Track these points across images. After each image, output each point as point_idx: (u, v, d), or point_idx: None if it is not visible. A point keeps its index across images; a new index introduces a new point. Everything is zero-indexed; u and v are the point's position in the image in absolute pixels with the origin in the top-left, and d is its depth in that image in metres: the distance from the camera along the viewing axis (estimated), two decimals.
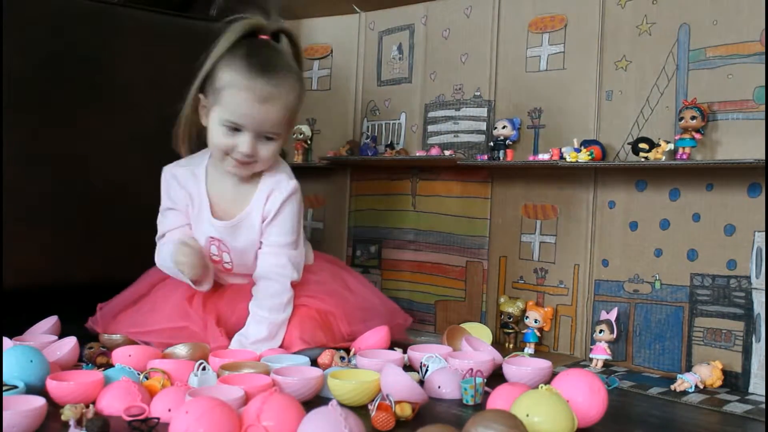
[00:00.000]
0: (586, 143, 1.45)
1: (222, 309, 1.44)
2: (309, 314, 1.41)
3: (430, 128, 1.79)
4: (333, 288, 1.49)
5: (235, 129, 1.35)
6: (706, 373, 1.29)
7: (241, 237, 1.43)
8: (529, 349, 1.52)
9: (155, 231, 1.58)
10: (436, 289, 1.75)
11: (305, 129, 1.97)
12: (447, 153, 1.69)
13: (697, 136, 1.33)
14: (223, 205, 1.44)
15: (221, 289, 1.48)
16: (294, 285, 1.43)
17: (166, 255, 1.41)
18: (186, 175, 1.46)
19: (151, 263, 1.50)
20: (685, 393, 1.26)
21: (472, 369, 1.19)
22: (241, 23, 1.38)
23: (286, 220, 1.42)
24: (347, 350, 1.36)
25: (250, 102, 1.33)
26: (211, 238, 1.44)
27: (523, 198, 1.62)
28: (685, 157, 1.32)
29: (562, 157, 1.46)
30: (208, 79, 1.38)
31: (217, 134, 1.37)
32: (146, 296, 1.48)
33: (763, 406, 1.20)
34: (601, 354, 1.42)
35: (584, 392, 1.05)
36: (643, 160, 1.36)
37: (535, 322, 1.54)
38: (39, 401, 0.98)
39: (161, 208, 1.47)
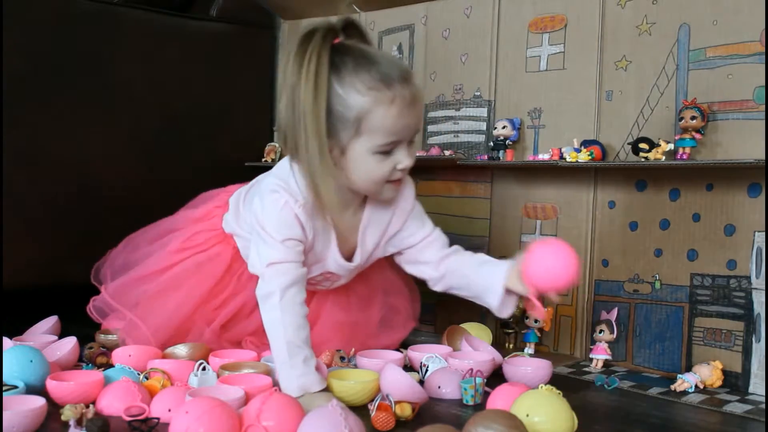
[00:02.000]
0: (586, 143, 1.45)
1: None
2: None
3: (430, 128, 1.79)
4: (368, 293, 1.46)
5: (390, 150, 1.18)
6: (706, 373, 1.29)
7: (356, 270, 1.37)
8: (529, 349, 1.52)
9: None
10: None
11: None
12: (447, 153, 1.69)
13: (697, 136, 1.33)
14: (343, 236, 1.30)
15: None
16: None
17: (284, 311, 1.15)
18: (309, 209, 1.22)
19: None
20: (685, 393, 1.26)
21: (472, 369, 1.19)
22: (315, 39, 1.15)
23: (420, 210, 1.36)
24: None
25: (402, 111, 1.16)
26: (328, 272, 1.33)
27: (523, 198, 1.62)
28: (685, 157, 1.32)
29: (562, 157, 1.46)
30: (328, 117, 1.14)
31: (370, 167, 1.18)
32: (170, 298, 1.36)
33: (763, 406, 1.20)
34: (601, 354, 1.42)
35: (555, 258, 1.16)
36: (643, 160, 1.36)
37: (535, 322, 1.54)
38: (39, 401, 0.98)
39: (277, 236, 1.20)
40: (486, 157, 1.61)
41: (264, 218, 1.22)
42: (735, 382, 1.30)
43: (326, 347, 1.32)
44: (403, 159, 1.19)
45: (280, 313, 1.14)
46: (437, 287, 1.38)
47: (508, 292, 1.27)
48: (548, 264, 1.17)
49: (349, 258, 1.32)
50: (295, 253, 1.20)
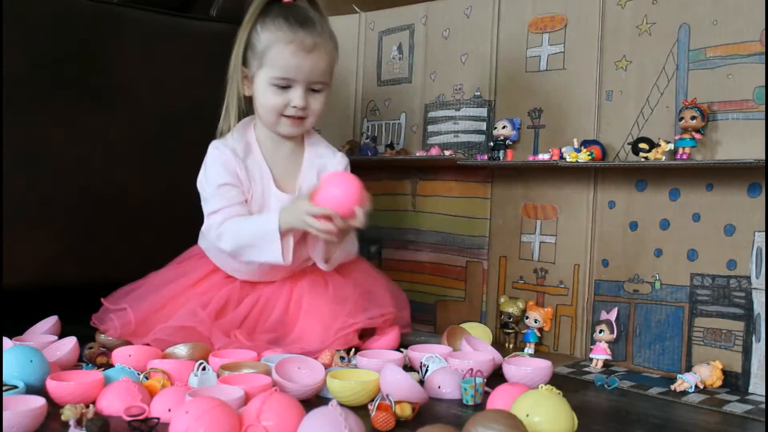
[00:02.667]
0: (586, 143, 1.45)
1: (255, 314, 1.43)
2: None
3: (430, 128, 1.79)
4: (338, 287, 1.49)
5: (285, 86, 1.40)
6: (706, 373, 1.29)
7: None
8: (529, 349, 1.52)
9: (155, 231, 1.57)
10: (436, 289, 1.75)
11: None
12: (447, 153, 1.69)
13: (697, 136, 1.33)
14: (282, 177, 1.48)
15: (254, 292, 1.47)
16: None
17: (234, 234, 1.38)
18: (242, 147, 1.45)
19: (152, 263, 1.50)
20: (685, 393, 1.26)
21: (472, 369, 1.19)
22: None
23: None
24: (347, 350, 1.36)
25: (297, 53, 1.38)
26: None
27: (523, 198, 1.62)
28: (685, 157, 1.32)
29: (562, 157, 1.46)
30: (248, 49, 1.42)
31: (266, 95, 1.42)
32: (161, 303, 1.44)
33: (763, 406, 1.20)
34: (601, 354, 1.42)
35: (339, 185, 1.33)
36: (643, 160, 1.36)
37: (535, 322, 1.54)
38: (39, 401, 0.98)
39: (213, 184, 1.42)
40: (486, 157, 1.61)
41: (204, 174, 1.44)
42: (735, 382, 1.30)
43: (311, 334, 1.37)
44: (296, 98, 1.41)
45: (234, 224, 1.38)
46: None
47: None
48: (334, 192, 1.34)
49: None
50: (232, 197, 1.41)
